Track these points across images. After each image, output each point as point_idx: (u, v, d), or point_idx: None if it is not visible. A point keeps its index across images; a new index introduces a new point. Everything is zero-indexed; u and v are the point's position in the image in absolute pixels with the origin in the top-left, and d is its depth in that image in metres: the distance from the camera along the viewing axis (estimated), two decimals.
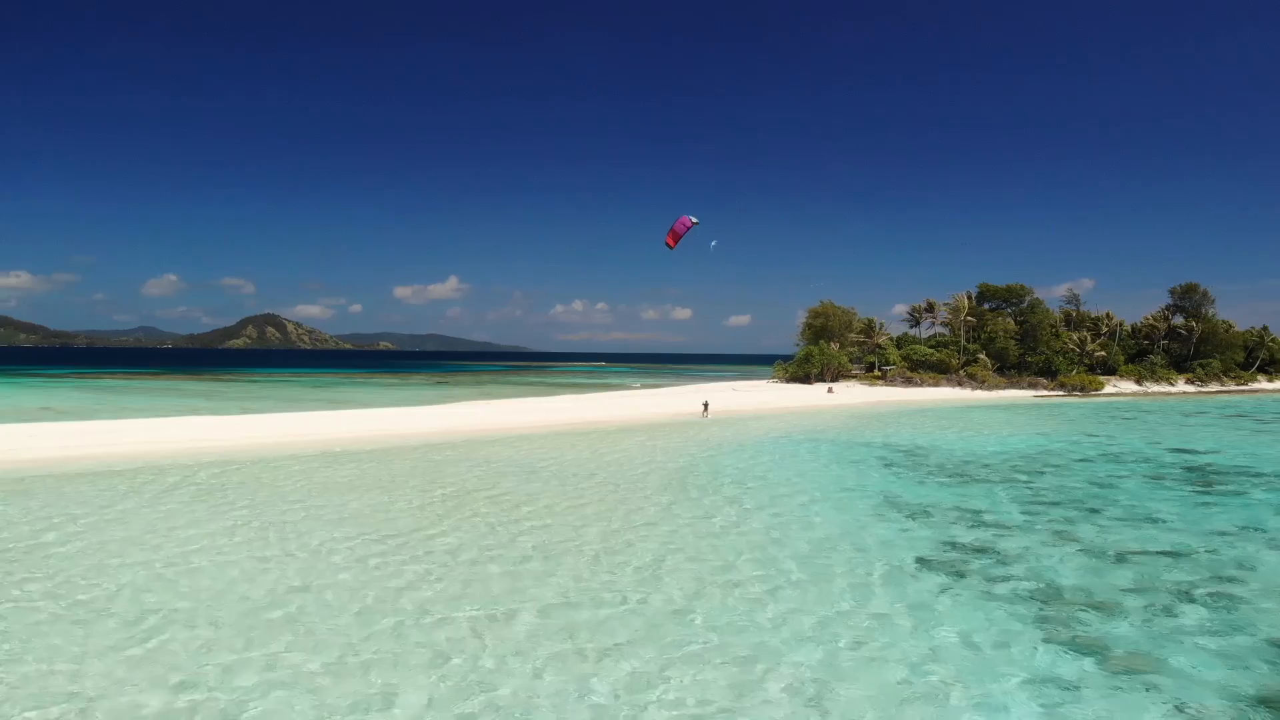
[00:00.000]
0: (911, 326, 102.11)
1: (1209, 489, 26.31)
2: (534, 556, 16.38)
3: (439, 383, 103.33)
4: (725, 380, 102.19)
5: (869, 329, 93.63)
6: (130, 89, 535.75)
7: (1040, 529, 19.85)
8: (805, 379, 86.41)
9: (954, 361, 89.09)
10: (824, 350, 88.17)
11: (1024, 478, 28.19)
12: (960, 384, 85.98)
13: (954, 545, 17.93)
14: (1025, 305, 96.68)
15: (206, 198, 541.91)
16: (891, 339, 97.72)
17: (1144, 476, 28.73)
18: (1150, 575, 15.60)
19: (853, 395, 72.89)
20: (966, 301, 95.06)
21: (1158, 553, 17.48)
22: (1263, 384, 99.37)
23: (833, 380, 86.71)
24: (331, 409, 52.43)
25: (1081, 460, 32.87)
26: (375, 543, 17.24)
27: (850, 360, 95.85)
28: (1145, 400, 78.35)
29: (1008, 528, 19.96)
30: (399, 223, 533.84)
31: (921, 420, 51.64)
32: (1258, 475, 29.27)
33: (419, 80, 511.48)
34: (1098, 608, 13.50)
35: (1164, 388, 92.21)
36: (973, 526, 20.07)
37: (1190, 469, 30.66)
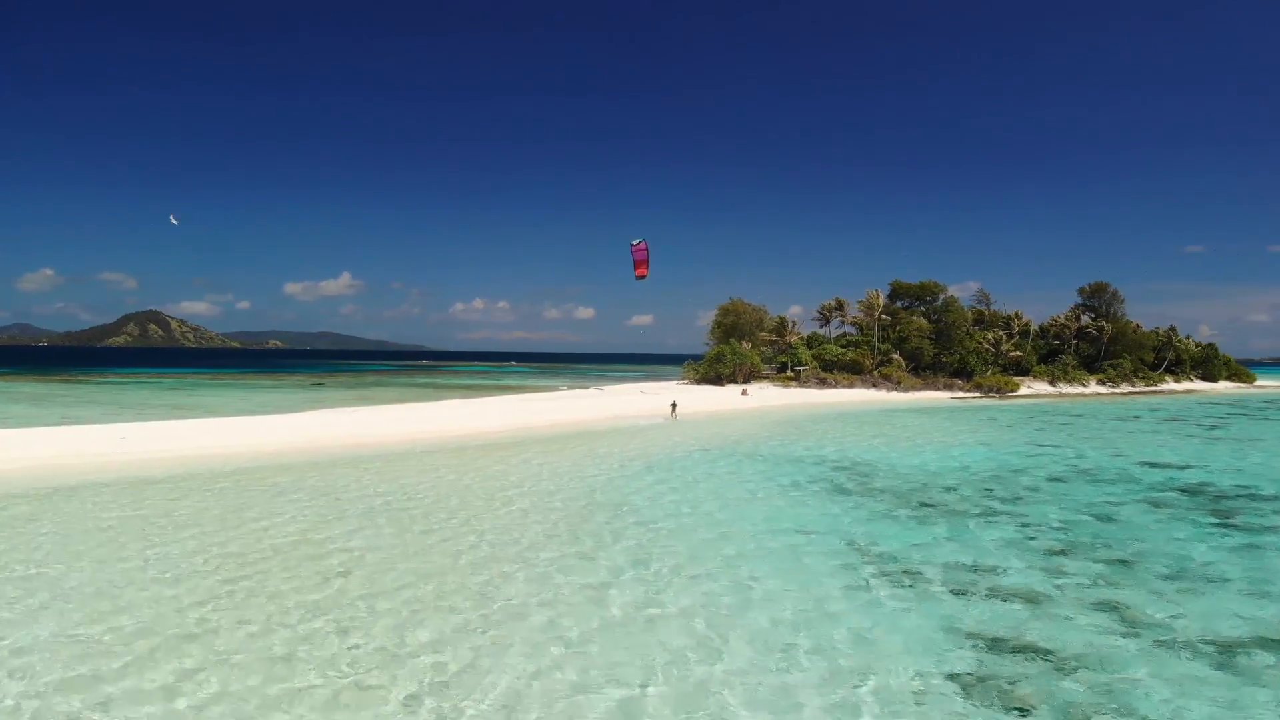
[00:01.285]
0: (821, 325, 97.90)
1: (1229, 520, 20.96)
2: (305, 695, 9.07)
3: (315, 384, 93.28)
4: (631, 381, 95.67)
5: (781, 327, 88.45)
6: None
7: (1079, 604, 13.68)
8: (717, 380, 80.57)
9: (868, 362, 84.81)
10: (736, 350, 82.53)
11: (1002, 506, 22.32)
12: (875, 385, 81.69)
13: (975, 640, 11.50)
14: (939, 303, 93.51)
15: (84, 189, 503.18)
16: (802, 338, 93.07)
17: (1143, 503, 23.25)
18: None
19: (768, 397, 67.30)
20: (879, 299, 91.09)
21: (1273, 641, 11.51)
22: (1170, 385, 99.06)
23: (745, 381, 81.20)
24: (173, 417, 43.26)
25: (1055, 480, 27.37)
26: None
27: (762, 360, 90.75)
28: (1064, 402, 75.55)
29: (1034, 601, 13.72)
30: (289, 217, 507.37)
31: (847, 427, 46.07)
32: (1267, 499, 24.24)
33: (307, 73, 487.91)
34: None
35: (1077, 389, 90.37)
36: (989, 598, 13.77)
37: (1186, 491, 25.43)
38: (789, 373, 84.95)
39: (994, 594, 14.16)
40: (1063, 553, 17.28)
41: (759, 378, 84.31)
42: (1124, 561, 16.64)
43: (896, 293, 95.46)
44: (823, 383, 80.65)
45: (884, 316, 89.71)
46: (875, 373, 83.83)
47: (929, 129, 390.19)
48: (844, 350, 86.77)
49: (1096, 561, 16.61)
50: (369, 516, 19.53)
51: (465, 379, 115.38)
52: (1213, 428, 48.28)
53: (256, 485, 23.60)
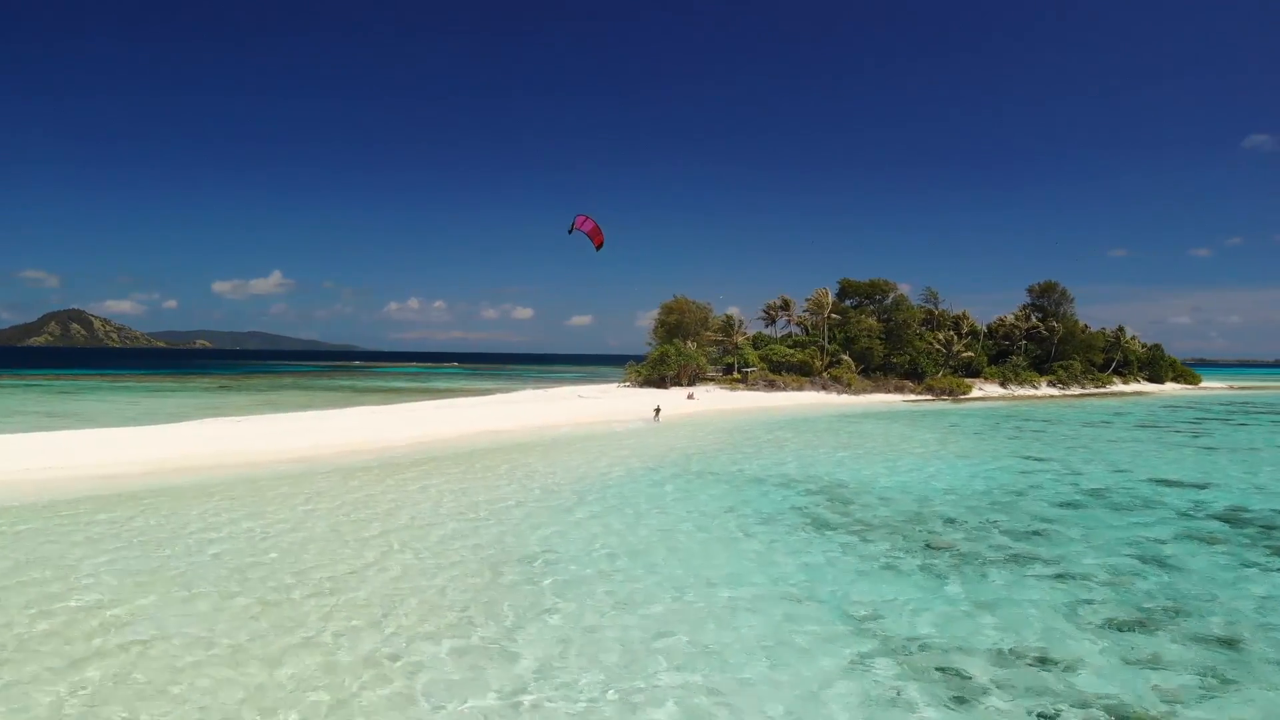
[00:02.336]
0: (766, 325, 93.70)
1: None
2: None
3: (222, 387, 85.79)
4: (569, 383, 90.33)
5: (727, 327, 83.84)
6: None
7: None
8: (660, 382, 75.62)
9: (817, 363, 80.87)
10: (681, 350, 77.71)
11: (1023, 547, 17.72)
12: (825, 387, 77.80)
13: None
14: (889, 302, 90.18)
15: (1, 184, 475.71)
16: (749, 338, 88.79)
17: (1188, 540, 18.90)
18: None
19: (715, 401, 62.64)
20: (828, 298, 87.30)
21: None
22: (1119, 386, 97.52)
23: (691, 383, 76.56)
24: (40, 427, 36.60)
25: (1066, 507, 22.99)
26: None
27: (707, 361, 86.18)
28: (1021, 405, 72.54)
29: None
30: (217, 214, 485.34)
31: (806, 435, 41.55)
32: None
33: (234, 69, 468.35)
34: None
35: (1028, 390, 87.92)
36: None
37: (1226, 520, 21.24)
38: (736, 374, 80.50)
39: (1078, 706, 9.38)
40: (1137, 626, 12.67)
41: (705, 379, 79.73)
42: (1225, 641, 12.09)
43: (845, 291, 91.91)
44: (771, 385, 76.38)
45: (833, 316, 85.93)
46: (825, 374, 79.94)
47: (858, 133, 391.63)
48: (792, 351, 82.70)
49: (1187, 640, 12.05)
50: (184, 581, 13.94)
51: (392, 380, 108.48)
52: (1195, 436, 44.94)
53: (68, 526, 17.77)
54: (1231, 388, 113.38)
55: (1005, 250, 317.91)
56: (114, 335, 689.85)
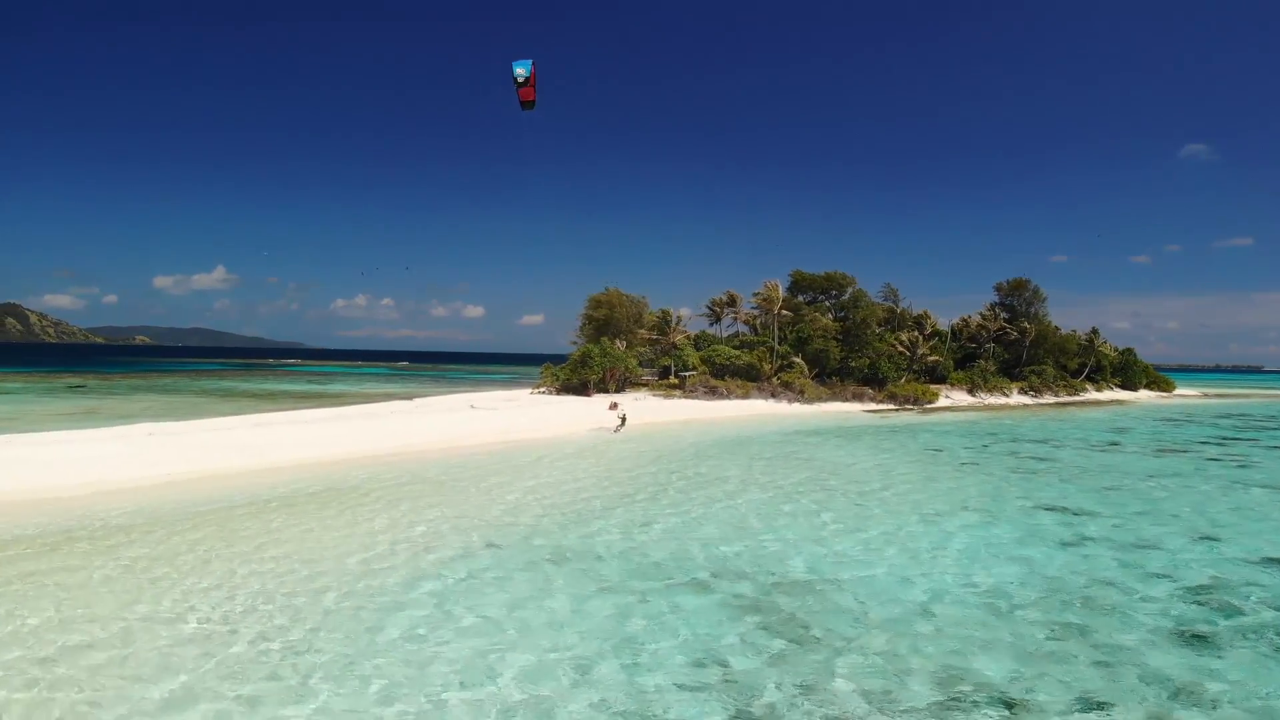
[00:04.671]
0: (711, 323, 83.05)
1: None
2: None
3: (76, 387, 73.16)
4: (481, 389, 78.76)
5: (663, 324, 72.55)
6: None
7: None
8: (582, 388, 64.34)
9: (766, 367, 70.37)
10: (607, 350, 66.53)
11: None
12: (774, 395, 67.39)
13: None
14: (846, 298, 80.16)
15: None
16: (689, 338, 78.08)
17: None
18: None
19: (645, 411, 51.62)
20: (779, 292, 76.89)
21: None
22: (1093, 393, 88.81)
23: (619, 389, 65.51)
24: None
25: (1182, 637, 12.46)
26: None
27: (641, 364, 75.21)
28: (998, 416, 62.86)
29: None
30: (158, 207, 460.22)
31: (747, 467, 30.89)
32: None
33: (175, 62, 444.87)
34: None
35: (999, 398, 78.51)
36: None
37: None
38: (673, 378, 69.63)
39: None
40: None
41: (636, 385, 68.76)
42: None
43: (798, 285, 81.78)
44: (712, 392, 65.64)
45: (784, 313, 75.58)
46: (774, 380, 69.45)
47: (811, 129, 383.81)
48: (738, 353, 72.08)
49: None
50: None
51: (290, 382, 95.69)
52: (1241, 466, 35.05)
53: None
54: (1206, 395, 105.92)
55: (950, 254, 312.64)
56: (50, 330, 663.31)
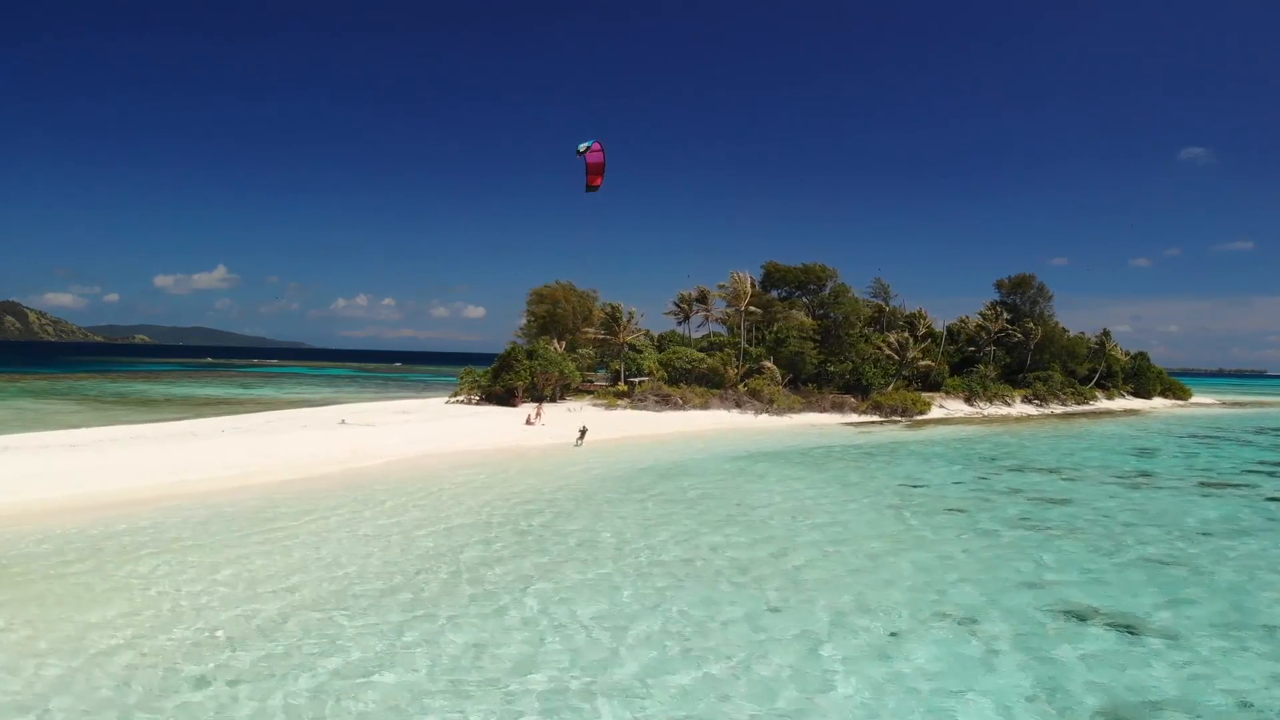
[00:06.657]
0: (679, 322, 73.75)
1: None
2: None
3: (24, 391, 64.47)
4: (390, 398, 69.75)
5: (611, 321, 63.02)
6: None
7: None
8: (508, 397, 55.02)
9: (731, 372, 61.07)
10: (536, 352, 57.18)
11: None
12: (739, 404, 58.09)
13: None
14: (826, 294, 70.84)
15: None
16: (651, 337, 68.84)
17: None
18: None
19: (577, 425, 41.55)
20: (749, 285, 67.57)
21: None
22: (1104, 402, 79.52)
23: (554, 398, 56.25)
24: None
25: None
26: None
27: (591, 367, 66.01)
28: (999, 431, 53.51)
29: None
30: (160, 206, 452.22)
31: (635, 534, 21.70)
32: None
33: (177, 67, 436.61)
34: None
35: (1000, 408, 69.23)
36: None
37: None
38: (621, 384, 60.37)
39: None
40: None
41: (576, 392, 59.46)
42: None
43: (772, 278, 72.64)
44: (665, 400, 56.31)
45: (754, 310, 66.32)
46: (740, 386, 60.18)
47: (813, 137, 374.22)
48: (702, 356, 62.82)
49: None
50: None
51: (219, 386, 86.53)
52: None
53: None
54: (1224, 404, 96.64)
55: (948, 257, 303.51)
56: (49, 329, 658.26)
